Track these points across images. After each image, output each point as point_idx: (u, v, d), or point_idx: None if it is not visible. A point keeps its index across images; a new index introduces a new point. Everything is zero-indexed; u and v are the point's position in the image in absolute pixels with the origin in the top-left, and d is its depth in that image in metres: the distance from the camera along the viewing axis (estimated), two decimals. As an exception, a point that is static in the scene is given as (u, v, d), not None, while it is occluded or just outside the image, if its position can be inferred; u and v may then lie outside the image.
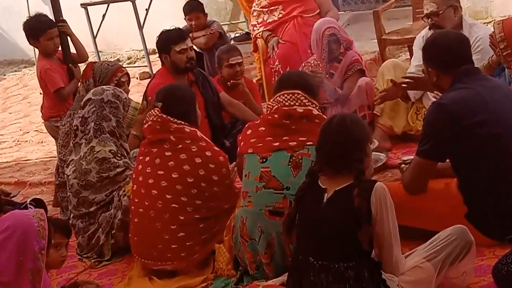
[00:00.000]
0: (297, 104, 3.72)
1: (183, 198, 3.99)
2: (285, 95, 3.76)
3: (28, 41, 5.91)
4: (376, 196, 3.05)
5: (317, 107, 3.80)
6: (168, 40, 5.49)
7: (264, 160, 3.65)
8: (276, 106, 3.74)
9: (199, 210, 4.02)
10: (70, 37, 5.82)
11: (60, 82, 5.78)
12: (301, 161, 3.58)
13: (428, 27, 5.35)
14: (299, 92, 3.75)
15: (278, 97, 3.78)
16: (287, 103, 3.74)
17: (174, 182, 4.00)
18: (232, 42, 8.79)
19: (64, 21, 5.84)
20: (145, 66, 8.54)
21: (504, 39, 4.46)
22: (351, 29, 8.46)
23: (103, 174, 4.43)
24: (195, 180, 4.01)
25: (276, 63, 6.54)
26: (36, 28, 5.78)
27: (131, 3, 8.18)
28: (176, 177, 4.00)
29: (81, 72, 5.67)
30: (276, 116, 3.72)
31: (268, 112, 3.80)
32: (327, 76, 5.71)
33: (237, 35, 9.45)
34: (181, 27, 7.13)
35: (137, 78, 8.49)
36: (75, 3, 8.39)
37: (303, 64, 5.97)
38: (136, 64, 9.52)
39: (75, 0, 8.40)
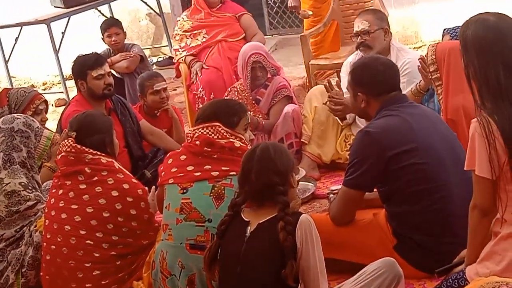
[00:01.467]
0: (218, 136, 3.73)
1: (98, 234, 3.93)
2: (204, 129, 3.75)
3: None
4: (301, 229, 3.07)
5: (240, 139, 3.79)
6: (84, 65, 5.44)
7: (185, 191, 3.64)
8: (198, 134, 3.75)
9: (116, 247, 3.96)
10: None
11: None
12: (223, 191, 3.58)
13: (356, 48, 5.46)
14: (219, 124, 3.76)
15: (197, 129, 3.78)
16: (208, 136, 3.75)
17: (88, 217, 3.93)
18: (154, 66, 8.84)
19: None
20: (61, 92, 8.44)
21: (434, 62, 4.60)
22: (279, 54, 8.58)
23: (12, 208, 4.32)
24: (112, 214, 3.95)
25: (200, 89, 6.54)
26: None
27: (46, 25, 8.08)
28: (91, 212, 3.94)
29: None
30: (197, 143, 3.72)
31: (189, 140, 3.80)
32: (253, 102, 5.75)
33: (159, 59, 9.49)
34: (99, 51, 7.18)
35: (52, 105, 8.38)
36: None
37: (229, 89, 6.02)
38: (51, 90, 9.43)
39: (-15, 23, 8.31)
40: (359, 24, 5.43)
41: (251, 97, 5.81)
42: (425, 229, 3.74)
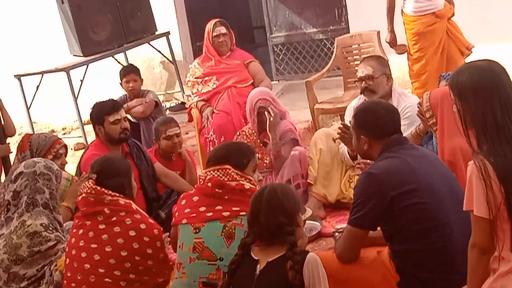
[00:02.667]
0: (228, 179, 3.74)
1: (116, 272, 3.92)
2: (215, 171, 3.78)
3: None
4: (309, 267, 3.07)
5: (250, 181, 3.81)
6: (101, 111, 5.50)
7: (197, 230, 3.65)
8: (209, 176, 3.76)
9: (133, 284, 3.94)
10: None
11: None
12: (234, 231, 3.59)
13: (360, 93, 5.48)
14: (229, 167, 3.78)
15: (209, 172, 3.80)
16: (219, 178, 3.76)
17: (107, 255, 3.93)
18: (167, 111, 8.86)
19: None
20: (80, 136, 8.48)
21: (429, 108, 4.62)
22: (285, 98, 8.61)
23: (34, 248, 4.32)
24: (129, 253, 3.95)
25: (211, 132, 6.57)
26: None
27: (65, 73, 8.15)
28: (110, 251, 3.94)
29: (8, 148, 5.59)
30: (209, 184, 3.74)
31: (201, 182, 3.81)
32: (260, 145, 5.77)
33: (172, 104, 9.53)
34: (116, 97, 7.24)
35: (71, 149, 8.42)
36: (8, 74, 8.35)
37: (238, 133, 6.04)
38: (70, 135, 9.46)
39: (9, 71, 8.35)
40: (364, 70, 5.46)
41: (259, 140, 5.82)
42: (427, 266, 3.71)
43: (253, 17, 10.73)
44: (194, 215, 3.70)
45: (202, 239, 3.62)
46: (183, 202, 3.81)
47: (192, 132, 7.69)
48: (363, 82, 5.43)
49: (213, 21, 6.91)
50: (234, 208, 3.64)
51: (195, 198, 3.76)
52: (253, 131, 5.87)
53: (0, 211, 4.79)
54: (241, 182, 3.75)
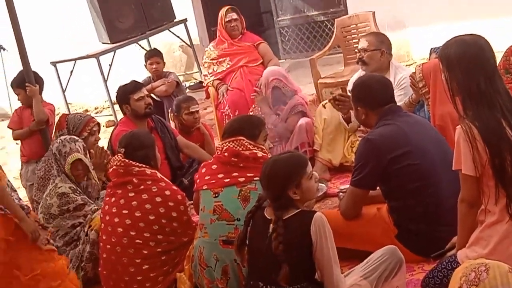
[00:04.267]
0: (242, 149, 3.74)
1: (146, 234, 3.96)
2: (231, 142, 3.77)
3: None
4: (316, 225, 3.07)
5: (262, 149, 3.81)
6: (126, 92, 5.53)
7: (216, 195, 3.66)
8: (226, 147, 3.77)
9: (161, 244, 3.98)
10: (33, 98, 5.48)
11: (12, 123, 5.79)
12: (249, 194, 3.60)
13: (356, 62, 5.47)
14: (242, 138, 3.78)
15: (225, 143, 3.80)
16: (234, 148, 3.76)
17: (137, 220, 3.96)
18: (187, 90, 8.84)
19: (33, 83, 5.47)
20: (111, 115, 8.48)
21: (422, 79, 4.61)
22: (291, 75, 8.41)
23: (63, 207, 4.41)
24: (156, 217, 3.98)
25: (226, 107, 6.57)
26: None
27: (95, 59, 8.15)
28: (139, 216, 3.97)
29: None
30: (226, 154, 3.74)
31: (218, 152, 3.82)
32: (275, 114, 5.77)
33: (191, 84, 9.51)
34: (141, 79, 7.24)
35: (103, 126, 8.43)
36: (45, 62, 8.36)
37: (253, 106, 6.04)
38: (102, 114, 9.47)
39: (45, 59, 8.36)
40: (361, 43, 5.45)
41: (273, 113, 5.81)
42: (421, 220, 3.74)
43: (261, 2, 10.63)
44: (213, 181, 3.71)
45: (221, 202, 3.63)
46: (203, 170, 3.82)
47: (210, 108, 7.68)
48: (359, 53, 5.42)
49: (225, 8, 6.87)
50: (248, 174, 3.64)
51: (214, 167, 3.77)
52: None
53: (43, 182, 4.86)
54: (254, 151, 3.75)
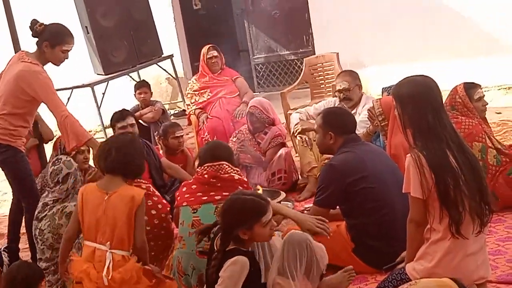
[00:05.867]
0: (222, 172, 3.74)
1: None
2: (211, 167, 3.76)
3: None
4: (226, 264, 3.06)
5: (237, 172, 3.81)
6: (113, 120, 5.49)
7: (195, 211, 3.65)
8: (205, 171, 3.76)
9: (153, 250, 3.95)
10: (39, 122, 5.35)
11: None
12: None
13: (340, 101, 5.53)
14: (224, 162, 3.78)
15: (206, 167, 3.78)
16: (214, 171, 3.76)
17: None
18: (172, 117, 8.84)
19: None
20: (102, 138, 8.43)
21: (382, 113, 4.63)
22: (272, 107, 8.58)
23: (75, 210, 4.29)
24: (151, 227, 3.95)
25: (206, 133, 6.60)
26: None
27: (90, 88, 8.13)
28: None
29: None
30: (206, 176, 3.74)
31: (198, 174, 3.81)
32: (255, 143, 5.77)
33: (176, 112, 9.51)
34: (130, 106, 7.23)
35: (95, 148, 8.40)
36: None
37: (236, 131, 6.02)
38: (95, 136, 9.37)
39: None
40: (341, 84, 5.53)
41: (253, 139, 5.83)
42: (376, 236, 3.75)
43: (239, 42, 10.70)
44: (192, 199, 3.71)
45: (199, 217, 3.62)
46: (184, 189, 3.81)
47: (191, 134, 7.67)
48: (342, 93, 5.48)
49: (207, 46, 6.93)
50: (224, 193, 3.63)
51: (194, 186, 3.76)
52: (243, 137, 5.87)
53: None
54: (232, 174, 3.75)
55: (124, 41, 8.49)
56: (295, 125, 5.56)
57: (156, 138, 6.37)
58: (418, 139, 3.09)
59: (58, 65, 4.78)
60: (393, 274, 3.26)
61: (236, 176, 3.75)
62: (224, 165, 3.75)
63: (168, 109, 9.35)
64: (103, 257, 3.22)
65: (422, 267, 3.08)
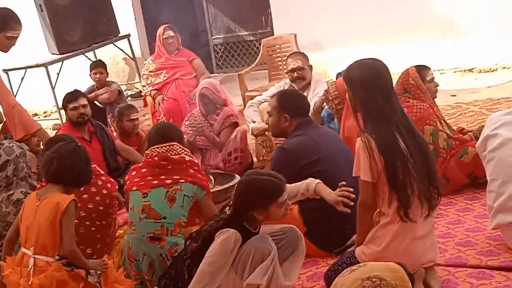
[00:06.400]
0: (172, 153, 3.68)
1: (97, 222, 3.91)
2: (162, 147, 3.69)
3: None
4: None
5: (188, 153, 3.74)
6: (64, 100, 5.40)
7: (145, 195, 3.58)
8: (156, 152, 3.69)
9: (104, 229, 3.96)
10: None
11: None
12: (175, 195, 3.54)
13: (291, 81, 5.49)
14: (175, 143, 3.71)
15: (156, 148, 3.71)
16: (165, 152, 3.69)
17: (90, 211, 3.86)
18: (129, 98, 8.72)
19: None
20: (57, 119, 8.30)
21: (337, 96, 4.61)
22: (223, 87, 8.52)
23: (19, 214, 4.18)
24: (104, 207, 3.93)
25: (162, 115, 6.52)
26: None
27: (44, 68, 7.94)
28: (92, 207, 3.88)
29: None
30: (156, 158, 3.67)
31: (148, 157, 3.74)
32: (208, 125, 5.69)
33: (132, 93, 9.39)
34: (86, 87, 7.09)
35: (50, 129, 8.23)
36: (-4, 68, 8.13)
37: (188, 115, 5.89)
38: (50, 117, 9.24)
39: (-3, 66, 8.12)
40: (295, 63, 5.48)
41: (206, 121, 5.74)
42: (327, 220, 3.72)
43: (198, 22, 10.58)
44: (142, 183, 3.63)
45: (149, 202, 3.55)
46: (134, 173, 3.73)
47: (148, 115, 7.58)
48: (295, 72, 5.44)
49: (162, 26, 6.83)
50: (175, 177, 3.58)
51: (143, 170, 3.68)
52: (201, 114, 5.76)
53: None
54: (183, 155, 3.69)
55: (79, 20, 8.30)
56: (252, 129, 5.49)
57: (110, 120, 6.26)
58: (368, 122, 3.08)
59: (5, 52, 4.60)
60: (343, 257, 3.27)
61: (187, 157, 3.69)
62: (175, 146, 3.69)
63: (125, 90, 9.22)
64: (28, 262, 3.18)
65: (370, 251, 3.09)
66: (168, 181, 3.58)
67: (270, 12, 9.04)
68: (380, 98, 3.05)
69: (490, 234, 3.71)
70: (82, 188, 3.76)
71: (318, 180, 3.45)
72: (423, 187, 3.03)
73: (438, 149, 4.36)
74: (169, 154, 3.65)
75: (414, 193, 3.01)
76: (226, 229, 3.04)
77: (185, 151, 3.73)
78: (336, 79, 5.45)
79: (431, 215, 3.10)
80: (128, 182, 3.71)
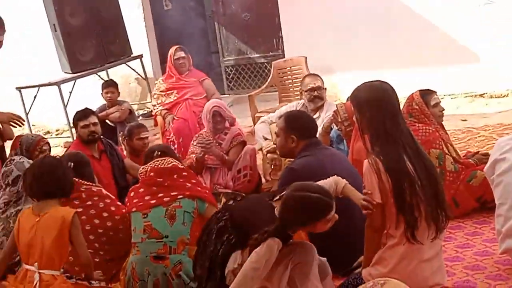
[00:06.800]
0: (165, 163, 3.68)
1: (95, 245, 3.82)
2: (155, 162, 3.72)
3: None
4: None
5: (181, 163, 3.75)
6: (74, 118, 5.41)
7: (145, 216, 3.58)
8: (149, 168, 3.69)
9: (109, 252, 3.86)
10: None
11: None
12: (175, 212, 3.54)
13: (309, 101, 5.47)
14: (168, 157, 3.75)
15: (148, 165, 3.73)
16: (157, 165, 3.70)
17: (87, 232, 3.79)
18: (140, 117, 8.75)
19: None
20: (69, 137, 8.32)
21: (347, 118, 4.60)
22: (234, 108, 8.55)
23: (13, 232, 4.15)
24: (104, 230, 3.86)
25: (171, 135, 6.49)
26: None
27: (57, 86, 8.00)
28: (89, 229, 3.82)
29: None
30: (151, 174, 3.67)
31: (143, 176, 3.73)
32: (216, 144, 5.67)
33: (144, 112, 9.42)
34: (97, 106, 7.12)
35: (61, 146, 8.27)
36: (11, 87, 8.18)
37: (196, 135, 5.87)
38: (62, 135, 9.28)
39: (11, 84, 8.18)
40: (315, 82, 5.51)
41: (214, 140, 5.73)
42: (334, 240, 3.64)
43: (211, 43, 10.64)
44: (141, 203, 3.63)
45: (150, 222, 3.55)
46: (132, 194, 3.75)
47: (158, 135, 7.59)
48: (315, 91, 5.43)
49: (174, 47, 6.84)
50: (172, 193, 3.58)
51: (141, 190, 3.70)
52: (209, 134, 5.73)
53: None
54: (174, 163, 3.68)
55: (92, 40, 8.38)
56: (263, 146, 5.48)
57: (120, 138, 6.27)
58: (376, 144, 3.07)
59: None
60: (349, 278, 3.25)
61: (180, 165, 3.69)
62: (167, 158, 3.70)
63: (136, 110, 9.26)
64: (33, 277, 3.20)
65: (377, 272, 3.06)
66: (166, 199, 3.57)
67: (282, 35, 9.08)
68: (387, 119, 3.04)
69: (499, 258, 3.67)
70: (80, 209, 3.75)
71: (345, 181, 3.37)
72: (430, 209, 3.00)
73: (445, 172, 4.33)
74: (162, 166, 3.64)
75: (421, 214, 2.98)
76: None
77: (177, 162, 3.72)
78: (347, 101, 5.44)
79: (438, 238, 3.07)
80: (128, 204, 3.72)
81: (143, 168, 3.73)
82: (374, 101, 3.07)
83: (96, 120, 5.39)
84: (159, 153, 3.83)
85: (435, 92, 4.64)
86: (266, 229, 3.08)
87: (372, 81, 3.20)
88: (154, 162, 3.68)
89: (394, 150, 3.01)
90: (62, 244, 3.18)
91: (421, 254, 3.03)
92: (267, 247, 2.94)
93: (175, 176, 3.65)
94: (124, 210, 3.97)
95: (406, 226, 2.98)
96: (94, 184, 4.00)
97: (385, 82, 3.18)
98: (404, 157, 3.01)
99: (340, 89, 8.59)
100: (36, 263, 3.20)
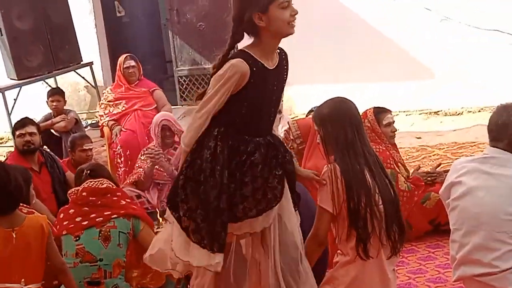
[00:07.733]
0: (98, 183, 3.47)
1: None
2: (89, 183, 3.51)
3: None
4: None
5: (113, 184, 3.58)
6: (13, 127, 5.17)
7: (77, 238, 3.34)
8: (82, 187, 3.46)
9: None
10: None
11: None
12: (109, 233, 3.32)
13: None
14: (103, 179, 3.53)
15: (84, 184, 3.49)
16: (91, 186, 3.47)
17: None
18: (89, 127, 8.45)
19: None
20: (12, 146, 7.93)
21: (299, 136, 4.44)
22: (186, 120, 8.29)
23: None
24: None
25: (118, 147, 6.20)
26: None
27: (0, 93, 7.62)
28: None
29: None
30: (84, 194, 3.43)
31: (74, 196, 3.48)
32: (166, 159, 5.42)
33: (93, 122, 9.07)
34: (42, 114, 6.81)
35: (4, 156, 7.88)
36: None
37: (144, 149, 5.61)
38: (6, 144, 8.89)
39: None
40: None
41: (163, 155, 5.47)
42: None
43: (166, 52, 10.39)
44: (72, 225, 3.40)
45: (83, 244, 3.32)
46: (61, 215, 3.50)
47: (106, 146, 7.28)
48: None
49: (124, 56, 6.59)
50: (106, 213, 3.37)
51: (71, 211, 3.46)
52: (157, 148, 5.48)
53: None
54: (108, 184, 3.50)
55: (40, 45, 8.01)
56: None
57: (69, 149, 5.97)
58: (337, 154, 2.96)
59: None
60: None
61: (114, 186, 3.54)
62: (103, 180, 3.51)
63: (85, 119, 8.94)
64: None
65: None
66: (99, 219, 3.36)
67: (237, 46, 8.86)
68: (349, 129, 2.97)
69: (452, 286, 3.54)
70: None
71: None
72: (386, 225, 2.86)
73: (398, 191, 4.18)
74: (96, 186, 3.45)
75: (374, 230, 2.81)
76: None
77: (111, 183, 3.52)
78: (308, 113, 5.26)
79: (395, 256, 2.92)
80: (57, 226, 3.46)
81: (74, 189, 3.46)
82: (336, 113, 3.02)
83: (35, 130, 5.10)
84: (89, 171, 3.57)
85: (390, 111, 4.52)
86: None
87: (333, 98, 3.14)
88: (87, 183, 3.43)
89: (355, 161, 2.94)
90: (43, 254, 3.06)
91: (375, 274, 2.86)
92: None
93: (108, 195, 3.40)
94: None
95: (358, 241, 2.82)
96: (24, 205, 3.67)
97: (346, 98, 3.12)
98: (365, 169, 2.92)
99: (295, 102, 8.44)
100: (22, 280, 2.97)
